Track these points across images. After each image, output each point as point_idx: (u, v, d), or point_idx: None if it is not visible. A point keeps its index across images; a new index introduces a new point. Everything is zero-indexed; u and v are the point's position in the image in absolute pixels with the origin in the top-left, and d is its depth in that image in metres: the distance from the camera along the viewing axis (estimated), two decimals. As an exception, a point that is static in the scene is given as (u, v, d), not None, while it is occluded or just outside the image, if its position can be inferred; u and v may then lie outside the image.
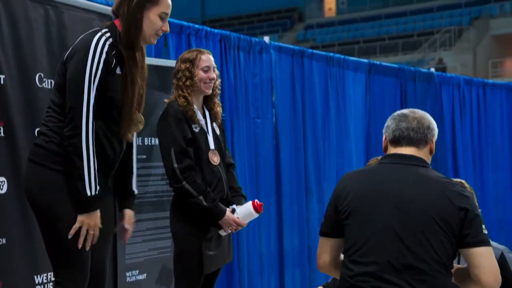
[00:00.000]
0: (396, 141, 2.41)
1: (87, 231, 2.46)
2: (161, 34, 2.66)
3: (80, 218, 2.45)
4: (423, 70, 7.29)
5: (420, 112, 2.47)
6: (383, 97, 6.40)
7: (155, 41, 2.68)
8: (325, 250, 2.42)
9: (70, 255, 2.45)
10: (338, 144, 5.76)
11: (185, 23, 4.34)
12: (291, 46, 5.54)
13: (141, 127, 2.70)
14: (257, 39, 5.04)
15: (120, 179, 2.78)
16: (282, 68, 5.25)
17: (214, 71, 3.30)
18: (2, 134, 3.02)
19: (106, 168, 2.58)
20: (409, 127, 2.40)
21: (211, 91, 3.31)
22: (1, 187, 3.02)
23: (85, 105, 2.40)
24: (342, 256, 2.42)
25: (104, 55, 2.45)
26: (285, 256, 5.09)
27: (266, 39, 5.15)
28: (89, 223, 2.47)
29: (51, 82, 3.28)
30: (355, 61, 6.19)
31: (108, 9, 3.64)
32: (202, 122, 3.26)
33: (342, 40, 26.35)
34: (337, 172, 5.68)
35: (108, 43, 2.48)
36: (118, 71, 2.51)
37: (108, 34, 2.51)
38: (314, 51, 5.73)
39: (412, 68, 7.18)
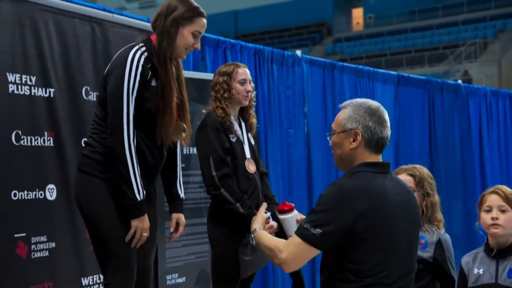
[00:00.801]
0: (379, 149, 2.19)
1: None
2: (192, 50, 2.68)
3: (133, 223, 2.50)
4: (450, 81, 7.20)
5: (383, 108, 2.23)
6: (411, 108, 6.34)
7: (185, 56, 2.70)
8: (305, 260, 2.12)
9: (117, 258, 2.48)
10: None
11: (221, 38, 4.38)
12: (322, 59, 5.54)
13: (183, 135, 2.71)
14: (289, 53, 5.05)
15: (167, 185, 2.82)
16: (313, 80, 5.25)
17: (250, 83, 3.32)
18: (52, 144, 3.08)
19: (148, 175, 2.62)
20: (389, 136, 2.21)
21: (247, 102, 3.33)
22: (51, 194, 3.08)
23: (125, 116, 2.44)
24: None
25: (140, 68, 2.49)
26: (316, 262, 5.05)
27: (298, 52, 5.16)
28: (142, 226, 2.51)
29: (96, 95, 3.34)
30: (384, 73, 6.15)
31: (148, 26, 3.70)
32: (239, 132, 3.28)
33: (369, 53, 26.20)
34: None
35: (143, 56, 2.52)
36: (153, 83, 2.55)
37: (143, 48, 2.55)
38: (344, 63, 5.72)
39: (439, 80, 7.10)
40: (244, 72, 3.30)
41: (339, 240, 2.04)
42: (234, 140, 3.22)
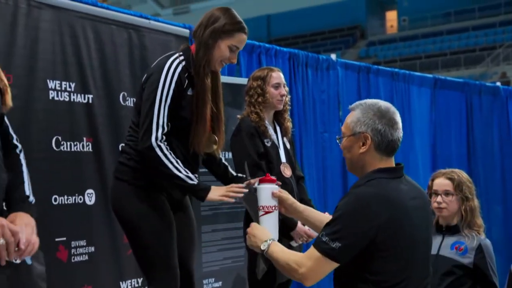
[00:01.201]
0: (391, 152, 2.13)
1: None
2: (227, 63, 2.67)
3: (211, 198, 2.51)
4: (488, 84, 7.06)
5: (394, 108, 2.17)
6: (448, 111, 6.24)
7: (219, 69, 2.66)
8: (325, 273, 2.04)
9: (160, 264, 2.49)
10: (404, 157, 5.64)
11: (256, 43, 4.39)
12: (357, 63, 5.50)
13: (214, 147, 2.69)
14: (324, 57, 5.03)
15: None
16: (348, 84, 5.21)
17: (284, 87, 3.31)
18: (90, 150, 3.13)
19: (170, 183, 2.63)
20: (400, 137, 2.14)
21: (282, 106, 3.32)
22: (90, 198, 3.12)
23: (155, 122, 2.45)
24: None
25: (176, 77, 2.49)
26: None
27: (333, 56, 5.14)
28: (218, 195, 2.51)
29: (133, 101, 3.38)
30: (420, 76, 6.07)
31: (184, 31, 3.74)
32: (274, 136, 3.27)
33: (403, 55, 25.93)
34: (403, 185, 5.56)
35: (181, 65, 2.53)
36: (190, 92, 2.55)
37: (181, 57, 2.56)
38: (380, 67, 5.67)
39: (477, 82, 6.98)
40: (278, 76, 3.30)
41: (358, 252, 1.99)
42: (269, 144, 3.21)
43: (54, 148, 2.96)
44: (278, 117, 3.37)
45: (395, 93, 5.63)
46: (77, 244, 3.02)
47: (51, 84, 2.96)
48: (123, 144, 2.65)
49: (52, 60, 2.98)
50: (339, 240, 1.96)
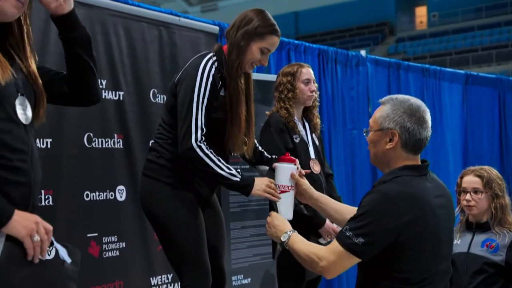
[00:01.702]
0: (417, 150, 2.11)
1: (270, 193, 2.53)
2: (258, 65, 2.65)
3: (256, 193, 2.50)
4: (522, 79, 6.94)
5: (425, 106, 2.14)
6: (480, 107, 6.16)
7: (250, 71, 2.64)
8: (347, 267, 2.04)
9: (191, 260, 2.50)
10: (434, 153, 5.58)
11: (285, 39, 4.37)
12: (387, 59, 5.46)
13: (244, 148, 2.69)
14: (353, 53, 5.00)
15: None
16: (378, 80, 5.17)
17: (314, 83, 3.30)
18: (121, 146, 3.16)
19: (213, 183, 2.64)
20: (429, 137, 2.11)
21: (311, 102, 3.31)
22: (121, 195, 3.15)
23: (194, 124, 2.45)
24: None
25: (211, 78, 2.49)
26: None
27: (363, 52, 5.10)
28: (262, 186, 2.51)
29: (163, 98, 3.40)
30: (451, 72, 6.00)
31: (214, 28, 3.75)
32: (303, 132, 3.26)
33: (433, 52, 25.60)
34: (434, 182, 5.51)
35: (214, 66, 2.53)
36: (222, 93, 2.55)
37: (214, 58, 2.56)
38: (410, 63, 5.61)
39: (510, 78, 6.85)
40: (308, 72, 3.29)
41: (382, 249, 1.97)
42: (297, 140, 3.20)
43: (86, 144, 3.00)
44: (307, 114, 3.36)
45: (425, 90, 5.57)
46: (109, 240, 3.06)
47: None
48: (153, 141, 2.66)
49: (84, 58, 3.00)
50: (363, 236, 1.95)
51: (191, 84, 2.48)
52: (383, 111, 2.12)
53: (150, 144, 2.68)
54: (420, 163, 2.14)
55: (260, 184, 2.51)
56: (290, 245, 2.16)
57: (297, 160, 2.61)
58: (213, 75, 2.50)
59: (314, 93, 3.29)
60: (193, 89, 2.47)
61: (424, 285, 2.00)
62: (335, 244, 2.01)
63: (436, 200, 2.06)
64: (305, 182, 2.51)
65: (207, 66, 2.51)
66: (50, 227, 1.56)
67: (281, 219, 2.29)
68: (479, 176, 3.03)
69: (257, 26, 2.55)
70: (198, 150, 2.44)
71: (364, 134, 2.22)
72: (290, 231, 2.20)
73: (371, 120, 2.17)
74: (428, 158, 5.73)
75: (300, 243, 2.14)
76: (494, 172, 3.07)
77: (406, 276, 1.98)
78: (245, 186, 2.50)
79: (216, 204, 2.76)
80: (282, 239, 2.19)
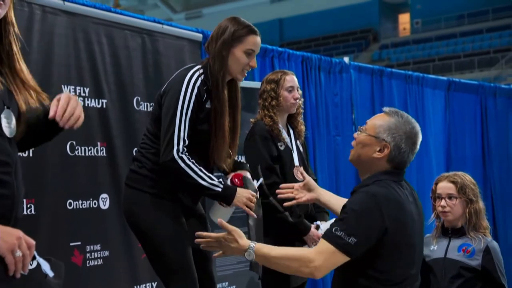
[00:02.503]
0: (399, 169, 2.19)
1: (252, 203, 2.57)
2: (249, 70, 2.64)
3: (236, 203, 2.53)
4: (503, 86, 7.01)
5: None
6: (463, 113, 6.21)
7: (242, 78, 2.63)
8: (336, 266, 2.07)
9: (178, 270, 2.49)
10: (418, 160, 5.61)
11: (269, 47, 4.39)
12: (370, 66, 5.49)
13: (229, 161, 2.68)
14: (337, 60, 5.02)
15: None
16: (361, 87, 5.20)
17: (297, 91, 3.31)
18: (104, 154, 3.15)
19: (197, 195, 2.63)
20: (411, 160, 2.21)
21: (295, 110, 3.32)
22: (104, 203, 3.14)
23: (176, 135, 2.44)
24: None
25: (196, 90, 2.49)
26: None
27: (346, 59, 5.13)
28: (243, 197, 2.54)
29: (146, 105, 3.39)
30: (434, 79, 6.04)
31: (197, 36, 3.75)
32: (287, 140, 3.27)
33: (417, 58, 25.82)
34: (417, 188, 5.52)
35: (200, 78, 2.53)
36: (208, 105, 2.55)
37: (201, 71, 2.55)
38: (393, 69, 5.65)
39: (492, 84, 6.93)
40: (291, 79, 3.30)
41: (366, 249, 2.03)
42: (282, 148, 3.21)
43: (69, 152, 2.98)
44: (291, 121, 3.37)
45: (408, 96, 5.61)
46: (92, 249, 3.04)
47: (65, 89, 2.98)
48: (136, 150, 2.65)
49: (67, 66, 3.00)
50: (355, 235, 1.99)
51: (175, 95, 2.48)
52: (386, 121, 2.16)
53: (134, 154, 2.67)
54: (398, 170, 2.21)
55: (241, 195, 2.52)
56: (265, 254, 2.09)
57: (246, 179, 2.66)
58: (198, 87, 2.50)
59: (298, 100, 3.30)
60: (177, 100, 2.47)
61: (401, 287, 2.05)
62: (324, 244, 2.04)
63: (410, 206, 2.13)
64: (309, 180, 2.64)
65: (193, 78, 2.51)
66: (32, 242, 1.54)
67: (236, 237, 2.14)
68: (453, 182, 3.07)
69: (233, 31, 2.56)
70: (179, 161, 2.43)
71: (357, 132, 2.24)
72: (252, 245, 2.11)
73: (369, 123, 2.21)
74: (412, 164, 5.77)
75: (279, 249, 2.12)
76: (467, 177, 3.11)
77: (383, 276, 2.04)
78: (227, 196, 2.51)
79: (201, 211, 2.76)
80: (247, 257, 2.11)
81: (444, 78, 6.27)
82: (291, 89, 3.27)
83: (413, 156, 2.19)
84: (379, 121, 2.18)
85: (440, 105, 6.01)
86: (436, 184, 3.15)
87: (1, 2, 1.62)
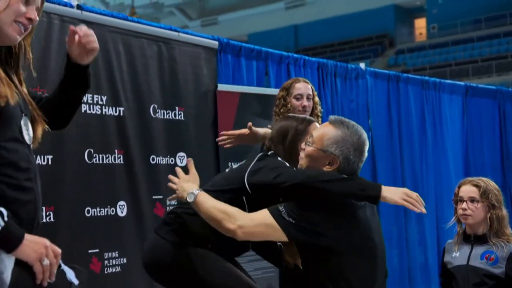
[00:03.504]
0: (353, 174, 2.20)
1: None
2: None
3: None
4: (522, 90, 6.95)
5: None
6: (481, 118, 6.16)
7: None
8: (261, 238, 2.14)
9: None
10: (436, 165, 5.59)
11: (284, 53, 4.40)
12: (387, 71, 5.48)
13: None
14: (353, 66, 5.02)
15: None
16: (378, 93, 5.18)
17: (308, 99, 3.29)
18: (122, 162, 3.17)
19: None
20: (360, 167, 2.23)
21: None
22: (122, 210, 3.16)
23: None
24: None
25: None
26: (385, 277, 4.97)
27: (362, 65, 5.12)
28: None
29: (163, 113, 3.42)
30: (451, 84, 6.01)
31: (213, 43, 3.77)
32: (303, 147, 3.26)
33: (433, 63, 25.66)
34: (435, 192, 5.52)
35: None
36: None
37: None
38: (410, 75, 5.63)
39: (510, 89, 6.87)
40: (301, 87, 3.28)
41: (314, 246, 2.03)
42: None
43: (87, 160, 3.01)
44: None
45: (425, 102, 5.58)
46: (110, 256, 3.06)
47: (83, 98, 3.00)
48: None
49: (84, 74, 3.02)
50: (296, 220, 2.03)
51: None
52: (332, 134, 2.17)
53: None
54: None
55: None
56: (200, 202, 2.16)
57: None
58: None
59: (306, 108, 3.27)
60: None
61: None
62: (264, 211, 2.08)
63: (363, 210, 2.15)
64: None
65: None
66: (58, 250, 1.57)
67: (191, 180, 2.29)
68: (476, 186, 3.05)
69: (295, 128, 2.49)
70: None
71: (303, 145, 2.26)
72: (196, 190, 2.20)
73: (316, 135, 2.21)
74: (430, 170, 5.75)
75: (209, 201, 2.16)
76: (492, 183, 3.08)
77: (350, 283, 2.05)
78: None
79: None
80: (188, 199, 2.19)
81: (462, 83, 6.23)
82: (299, 97, 3.26)
83: (362, 163, 2.21)
84: (326, 134, 2.18)
85: (457, 110, 5.97)
86: (459, 187, 3.13)
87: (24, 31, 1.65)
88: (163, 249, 2.35)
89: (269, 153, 2.47)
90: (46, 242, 1.54)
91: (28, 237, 1.51)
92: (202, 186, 2.35)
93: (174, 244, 2.32)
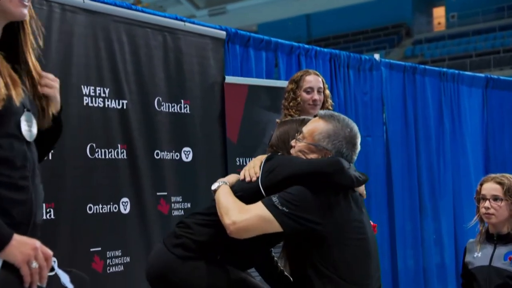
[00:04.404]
0: None
1: None
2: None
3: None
4: (545, 82, 6.89)
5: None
6: (502, 112, 6.12)
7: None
8: (258, 232, 2.13)
9: None
10: (454, 160, 5.56)
11: (295, 44, 4.39)
12: (402, 63, 5.45)
13: None
14: (367, 57, 5.00)
15: None
16: (393, 85, 5.16)
17: (319, 92, 3.28)
18: (125, 157, 3.18)
19: None
20: (354, 160, 2.29)
21: (316, 112, 3.28)
22: (125, 207, 3.17)
23: None
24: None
25: None
26: (399, 277, 4.96)
27: (376, 56, 5.10)
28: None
29: (168, 106, 3.42)
30: (470, 76, 5.97)
31: (221, 34, 3.77)
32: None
33: (452, 54, 25.51)
34: (453, 189, 5.49)
35: None
36: None
37: None
38: (427, 66, 5.61)
39: (533, 81, 6.81)
40: (311, 79, 3.27)
41: (308, 234, 2.06)
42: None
43: (89, 155, 3.02)
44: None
45: (443, 94, 5.55)
46: (113, 255, 3.07)
47: (85, 90, 3.02)
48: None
49: (86, 65, 3.04)
50: (290, 209, 2.06)
51: None
52: (323, 128, 2.21)
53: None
54: None
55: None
56: (216, 195, 2.22)
57: None
58: None
59: (317, 101, 3.27)
60: None
61: (362, 283, 2.12)
62: (258, 205, 2.09)
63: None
64: None
65: None
66: (49, 252, 1.53)
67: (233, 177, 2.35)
68: (499, 183, 3.02)
69: (296, 131, 2.44)
70: None
71: (294, 140, 2.28)
72: (223, 182, 2.26)
73: (306, 131, 2.25)
74: (447, 167, 5.72)
75: (227, 194, 2.19)
76: None
77: (342, 274, 2.08)
78: None
79: None
80: (212, 187, 2.26)
81: (482, 75, 6.19)
82: (309, 90, 3.25)
83: (356, 156, 2.24)
84: (317, 129, 2.22)
85: (477, 103, 5.94)
86: (481, 184, 3.10)
87: (25, 3, 1.64)
88: (169, 264, 2.31)
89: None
90: (36, 243, 1.51)
91: (17, 237, 1.48)
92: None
93: (181, 259, 2.29)
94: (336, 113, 2.26)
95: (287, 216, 2.06)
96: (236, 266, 2.38)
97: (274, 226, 2.08)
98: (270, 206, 2.08)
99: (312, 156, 2.21)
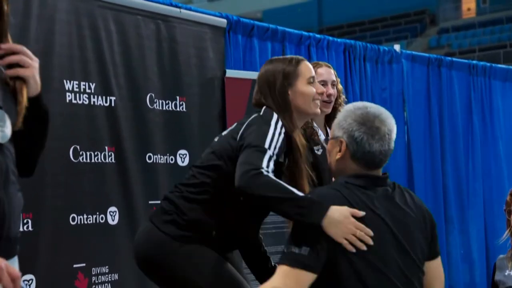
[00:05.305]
0: (370, 164, 2.16)
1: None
2: (320, 98, 2.63)
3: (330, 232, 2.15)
4: None
5: (388, 116, 2.20)
6: (540, 110, 6.12)
7: (317, 109, 2.59)
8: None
9: None
10: (485, 165, 5.56)
11: (304, 33, 4.40)
12: (426, 55, 5.47)
13: None
14: (386, 48, 5.01)
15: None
16: (415, 79, 5.18)
17: (333, 85, 3.28)
18: (113, 161, 3.19)
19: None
20: (385, 151, 2.15)
21: (329, 110, 3.28)
22: (113, 217, 3.18)
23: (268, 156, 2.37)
24: None
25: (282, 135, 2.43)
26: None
27: (397, 47, 5.12)
28: (340, 216, 2.12)
29: (161, 103, 3.44)
30: (504, 69, 5.98)
31: (221, 21, 3.78)
32: (325, 144, 3.26)
33: (483, 44, 25.51)
34: (484, 198, 5.49)
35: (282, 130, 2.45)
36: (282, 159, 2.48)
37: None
38: (454, 58, 5.61)
39: None
40: (323, 72, 3.27)
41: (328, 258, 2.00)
42: (319, 153, 3.19)
43: (72, 159, 3.03)
44: (330, 120, 3.36)
45: (473, 90, 5.56)
46: (99, 271, 3.08)
47: (68, 85, 3.03)
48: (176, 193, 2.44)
49: (69, 57, 3.05)
50: (305, 244, 2.00)
51: (264, 130, 2.37)
52: (337, 117, 2.24)
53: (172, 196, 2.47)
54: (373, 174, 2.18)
55: (338, 212, 2.08)
56: None
57: None
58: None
59: (332, 97, 3.27)
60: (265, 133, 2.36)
61: None
62: (279, 267, 2.03)
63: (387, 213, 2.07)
64: None
65: (279, 122, 2.44)
66: (17, 273, 1.50)
67: None
68: None
69: (282, 72, 2.51)
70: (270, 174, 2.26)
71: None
72: None
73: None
74: (477, 172, 5.71)
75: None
76: None
77: None
78: (312, 210, 2.13)
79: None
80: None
81: (517, 68, 6.20)
82: (322, 84, 3.25)
83: (381, 144, 2.13)
84: (335, 120, 2.25)
85: (511, 100, 5.94)
86: (511, 195, 3.11)
87: None
88: (158, 243, 2.36)
89: (262, 111, 2.46)
90: (1, 263, 1.48)
91: None
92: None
93: (171, 238, 2.35)
94: (358, 102, 2.28)
95: (311, 256, 2.01)
96: (232, 242, 2.49)
97: (306, 278, 2.01)
98: (290, 259, 2.02)
99: (334, 150, 2.22)
